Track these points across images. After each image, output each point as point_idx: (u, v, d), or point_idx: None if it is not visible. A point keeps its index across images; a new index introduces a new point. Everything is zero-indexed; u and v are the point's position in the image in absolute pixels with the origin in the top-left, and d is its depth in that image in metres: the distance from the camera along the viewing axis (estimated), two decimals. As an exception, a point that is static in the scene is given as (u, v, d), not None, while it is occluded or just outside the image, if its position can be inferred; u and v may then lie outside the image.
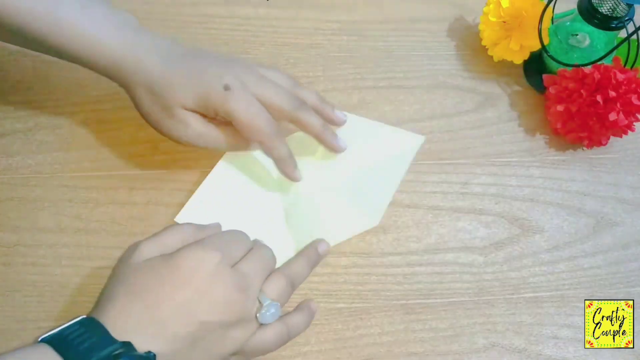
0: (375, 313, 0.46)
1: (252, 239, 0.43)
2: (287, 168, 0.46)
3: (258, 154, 0.49)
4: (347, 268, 0.47)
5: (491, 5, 0.54)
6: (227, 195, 0.48)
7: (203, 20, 0.58)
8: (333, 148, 0.47)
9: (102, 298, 0.36)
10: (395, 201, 0.50)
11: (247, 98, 0.42)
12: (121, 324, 0.34)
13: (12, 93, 0.52)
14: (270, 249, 0.42)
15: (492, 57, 0.56)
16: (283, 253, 0.45)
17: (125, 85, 0.44)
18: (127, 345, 0.32)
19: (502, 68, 0.57)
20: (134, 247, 0.38)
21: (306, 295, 0.46)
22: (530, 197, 0.52)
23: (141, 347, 0.33)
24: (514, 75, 0.57)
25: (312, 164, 0.49)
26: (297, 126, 0.45)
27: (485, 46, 0.56)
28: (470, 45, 0.59)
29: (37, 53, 0.49)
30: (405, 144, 0.51)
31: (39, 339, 0.32)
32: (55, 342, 0.32)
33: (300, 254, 0.45)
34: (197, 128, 0.43)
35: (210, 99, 0.42)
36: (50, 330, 0.33)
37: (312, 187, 0.48)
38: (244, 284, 0.37)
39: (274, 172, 0.48)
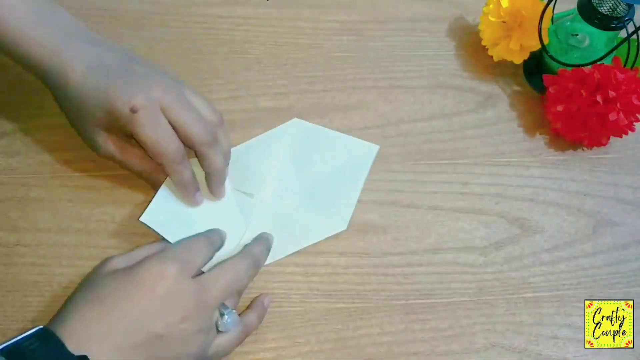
0: (375, 313, 0.46)
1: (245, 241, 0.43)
2: (184, 194, 0.45)
3: None
4: (347, 268, 0.47)
5: (491, 5, 0.54)
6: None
7: (203, 20, 0.58)
8: (213, 193, 0.46)
9: (64, 307, 0.36)
10: (395, 201, 0.50)
11: (154, 120, 0.41)
12: (79, 335, 0.34)
13: (12, 93, 0.52)
14: (246, 265, 0.41)
15: (492, 57, 0.56)
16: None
17: (51, 90, 0.43)
18: (83, 359, 0.33)
19: (502, 68, 0.57)
20: (105, 261, 0.38)
21: (306, 295, 0.46)
22: (530, 197, 0.52)
23: (98, 359, 0.33)
24: (514, 75, 0.58)
25: (271, 171, 0.49)
26: (199, 160, 0.45)
27: (485, 46, 0.56)
28: (470, 45, 0.59)
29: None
30: (360, 152, 0.51)
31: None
32: (11, 354, 0.32)
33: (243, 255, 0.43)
34: (107, 148, 0.44)
35: (117, 119, 0.41)
36: (10, 340, 0.33)
37: (275, 193, 0.48)
38: (203, 297, 0.37)
39: (231, 178, 0.48)
